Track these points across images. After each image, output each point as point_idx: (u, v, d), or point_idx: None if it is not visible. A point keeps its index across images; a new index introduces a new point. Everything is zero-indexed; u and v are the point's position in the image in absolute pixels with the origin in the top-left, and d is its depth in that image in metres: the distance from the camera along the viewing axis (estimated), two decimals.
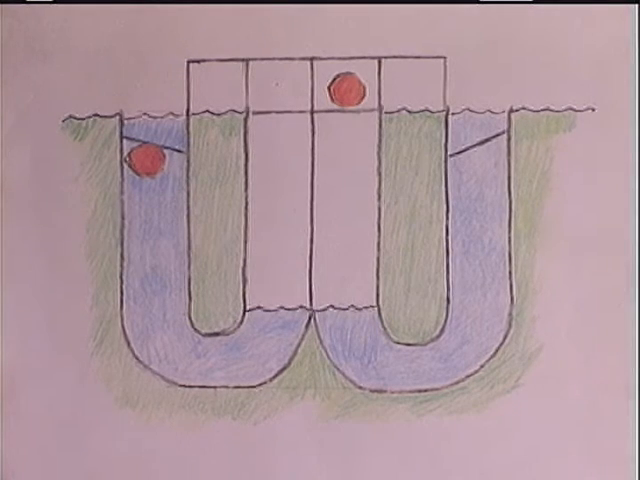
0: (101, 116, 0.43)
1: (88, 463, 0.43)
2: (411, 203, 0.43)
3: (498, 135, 0.43)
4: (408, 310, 0.43)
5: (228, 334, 0.43)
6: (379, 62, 0.43)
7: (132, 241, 0.43)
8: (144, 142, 0.43)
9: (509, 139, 0.43)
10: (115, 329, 0.43)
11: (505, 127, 0.43)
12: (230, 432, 0.43)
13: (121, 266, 0.43)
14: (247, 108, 0.43)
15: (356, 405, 0.43)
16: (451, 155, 0.43)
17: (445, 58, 0.43)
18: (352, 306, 0.43)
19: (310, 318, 0.43)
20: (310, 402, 0.43)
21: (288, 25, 0.43)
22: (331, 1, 0.43)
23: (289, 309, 0.43)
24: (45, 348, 0.43)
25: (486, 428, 0.42)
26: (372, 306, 0.43)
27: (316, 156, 0.43)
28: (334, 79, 0.43)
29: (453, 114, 0.43)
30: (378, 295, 0.43)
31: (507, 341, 0.43)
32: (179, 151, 0.43)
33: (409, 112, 0.43)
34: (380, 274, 0.43)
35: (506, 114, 0.43)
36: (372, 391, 0.43)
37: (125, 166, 0.43)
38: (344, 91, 0.43)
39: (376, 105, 0.43)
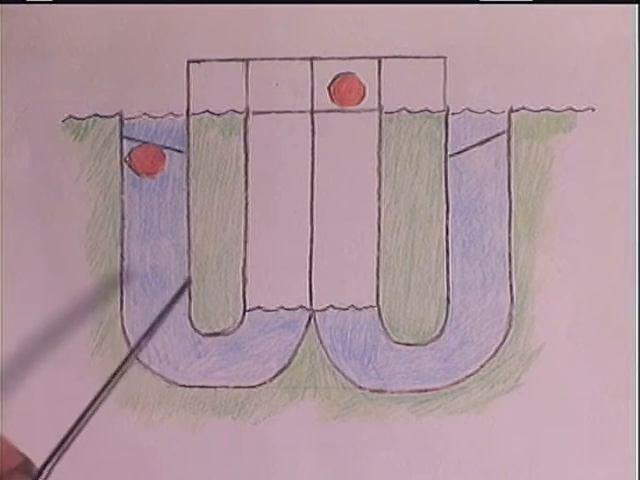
0: (101, 116, 0.43)
1: (88, 463, 0.43)
2: (411, 203, 0.43)
3: (498, 135, 0.43)
4: (408, 310, 0.43)
5: (228, 334, 0.43)
6: (379, 62, 0.43)
7: (132, 241, 0.43)
8: (144, 142, 0.43)
9: (509, 139, 0.43)
10: (115, 329, 0.43)
11: (505, 127, 0.43)
12: (230, 432, 0.43)
13: (121, 266, 0.43)
14: (247, 108, 0.43)
15: (356, 405, 0.43)
16: (451, 155, 0.43)
17: (445, 58, 0.43)
18: (352, 306, 0.43)
19: (310, 318, 0.43)
20: (310, 402, 0.43)
21: (288, 25, 0.43)
22: (331, 1, 0.43)
23: (289, 309, 0.43)
24: (45, 348, 0.43)
25: (486, 428, 0.42)
26: (372, 306, 0.43)
27: (316, 156, 0.43)
28: (334, 79, 0.43)
29: (453, 114, 0.43)
30: (378, 295, 0.43)
31: (507, 341, 0.43)
32: (179, 151, 0.43)
33: (409, 112, 0.43)
34: (380, 274, 0.43)
35: (506, 114, 0.43)
36: (372, 391, 0.43)
37: (125, 166, 0.43)
38: (344, 91, 0.43)
39: (376, 105, 0.43)
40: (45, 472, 0.37)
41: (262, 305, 0.43)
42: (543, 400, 0.42)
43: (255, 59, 0.43)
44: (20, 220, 0.43)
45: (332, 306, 0.43)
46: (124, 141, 0.43)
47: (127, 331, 0.43)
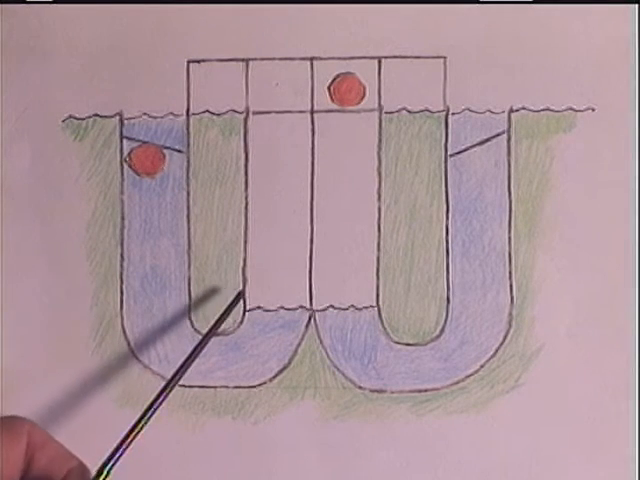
0: (101, 116, 0.43)
1: (88, 463, 0.43)
2: (411, 203, 0.43)
3: (498, 135, 0.43)
4: (408, 310, 0.43)
5: (228, 334, 0.43)
6: (379, 62, 0.43)
7: (132, 241, 0.43)
8: (144, 142, 0.43)
9: (509, 139, 0.43)
10: (115, 329, 0.43)
11: (505, 127, 0.43)
12: (230, 432, 0.43)
13: (121, 266, 0.43)
14: (247, 108, 0.43)
15: (356, 405, 0.43)
16: (451, 155, 0.43)
17: (445, 58, 0.43)
18: (352, 306, 0.43)
19: (310, 318, 0.43)
20: (310, 402, 0.43)
21: (288, 25, 0.43)
22: (331, 1, 0.43)
23: (289, 309, 0.43)
24: (45, 348, 0.43)
25: (486, 428, 0.42)
26: (372, 306, 0.43)
27: (316, 156, 0.43)
28: (334, 79, 0.43)
29: (453, 114, 0.43)
30: (378, 295, 0.43)
31: (507, 341, 0.43)
32: (179, 151, 0.43)
33: (409, 112, 0.43)
34: (380, 274, 0.43)
35: (506, 114, 0.43)
36: (372, 391, 0.43)
37: (125, 166, 0.43)
38: (344, 91, 0.43)
39: (376, 105, 0.43)
40: (104, 474, 0.37)
41: (262, 305, 0.43)
42: (543, 400, 0.42)
43: (255, 59, 0.43)
44: (20, 220, 0.43)
45: (332, 306, 0.43)
46: (124, 141, 0.43)
47: (127, 331, 0.43)
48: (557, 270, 0.42)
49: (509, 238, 0.43)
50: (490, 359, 0.43)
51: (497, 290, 0.43)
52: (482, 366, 0.43)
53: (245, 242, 0.43)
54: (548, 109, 0.43)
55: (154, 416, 0.42)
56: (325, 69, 0.43)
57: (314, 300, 0.43)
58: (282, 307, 0.43)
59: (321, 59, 0.43)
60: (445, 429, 0.42)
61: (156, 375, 0.43)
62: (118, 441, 0.36)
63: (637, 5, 0.42)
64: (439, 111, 0.43)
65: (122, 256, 0.43)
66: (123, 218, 0.43)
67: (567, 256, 0.42)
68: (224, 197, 0.43)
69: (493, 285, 0.43)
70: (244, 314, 0.43)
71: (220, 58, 0.43)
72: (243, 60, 0.43)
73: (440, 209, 0.43)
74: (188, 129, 0.43)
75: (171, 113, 0.43)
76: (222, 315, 0.41)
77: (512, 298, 0.43)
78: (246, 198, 0.43)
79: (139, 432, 0.37)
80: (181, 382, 0.43)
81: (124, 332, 0.43)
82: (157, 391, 0.37)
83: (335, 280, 0.43)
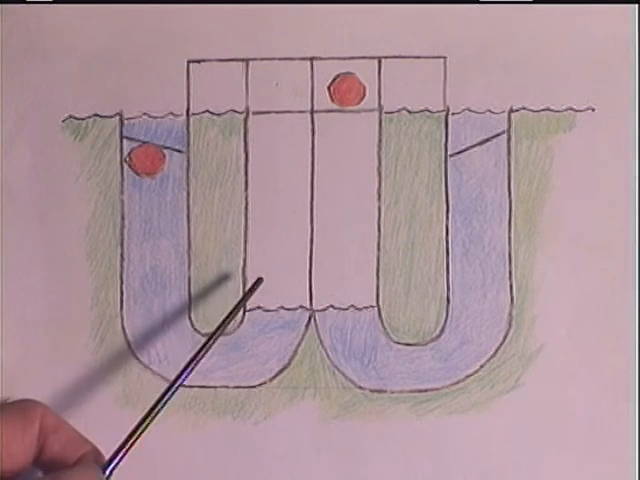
0: (101, 116, 0.43)
1: None
2: (411, 203, 0.43)
3: (498, 135, 0.43)
4: (408, 310, 0.43)
5: (228, 334, 0.43)
6: (379, 62, 0.43)
7: (132, 241, 0.43)
8: (144, 142, 0.43)
9: (509, 139, 0.43)
10: (115, 329, 0.43)
11: (505, 127, 0.43)
12: (230, 432, 0.43)
13: (121, 266, 0.43)
14: (247, 108, 0.43)
15: (356, 405, 0.43)
16: (451, 155, 0.43)
17: (445, 58, 0.43)
18: (352, 306, 0.43)
19: (310, 318, 0.43)
20: (310, 402, 0.43)
21: (288, 25, 0.43)
22: (331, 1, 0.43)
23: (289, 309, 0.43)
24: (45, 348, 0.43)
25: (486, 428, 0.42)
26: (372, 306, 0.43)
27: (316, 156, 0.43)
28: (334, 79, 0.43)
29: (453, 114, 0.43)
30: (378, 295, 0.43)
31: (507, 341, 0.43)
32: (179, 151, 0.43)
33: (409, 112, 0.43)
34: (380, 274, 0.43)
35: (506, 114, 0.43)
36: (372, 391, 0.43)
37: (125, 166, 0.43)
38: (344, 91, 0.43)
39: (376, 105, 0.43)
40: (116, 460, 0.37)
41: (262, 305, 0.43)
42: (543, 400, 0.42)
43: (255, 59, 0.43)
44: (20, 220, 0.43)
45: (332, 306, 0.43)
46: (124, 141, 0.43)
47: (127, 331, 0.43)
48: (557, 270, 0.42)
49: (509, 238, 0.43)
50: (490, 359, 0.43)
51: (497, 290, 0.43)
52: (482, 366, 0.43)
53: (245, 242, 0.43)
54: (548, 109, 0.43)
55: (156, 416, 0.42)
56: (325, 69, 0.43)
57: (314, 300, 0.43)
58: (282, 307, 0.43)
59: (321, 59, 0.43)
60: (445, 429, 0.42)
61: (156, 375, 0.43)
62: (119, 444, 0.36)
63: (637, 5, 0.42)
64: (439, 111, 0.43)
65: (122, 256, 0.43)
66: (123, 218, 0.43)
67: (567, 256, 0.42)
68: (224, 197, 0.43)
69: (493, 285, 0.43)
70: (244, 314, 0.43)
71: (220, 58, 0.43)
72: (243, 60, 0.43)
73: (440, 209, 0.43)
74: (188, 129, 0.43)
75: (171, 113, 0.43)
76: (242, 300, 0.41)
77: (512, 298, 0.43)
78: (246, 198, 0.43)
79: (140, 435, 0.37)
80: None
81: (124, 332, 0.43)
82: (161, 391, 0.37)
83: (335, 280, 0.43)
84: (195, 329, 0.43)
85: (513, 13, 0.43)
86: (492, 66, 0.43)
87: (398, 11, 0.43)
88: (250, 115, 0.43)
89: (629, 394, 0.42)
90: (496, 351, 0.43)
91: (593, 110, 0.43)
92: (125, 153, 0.43)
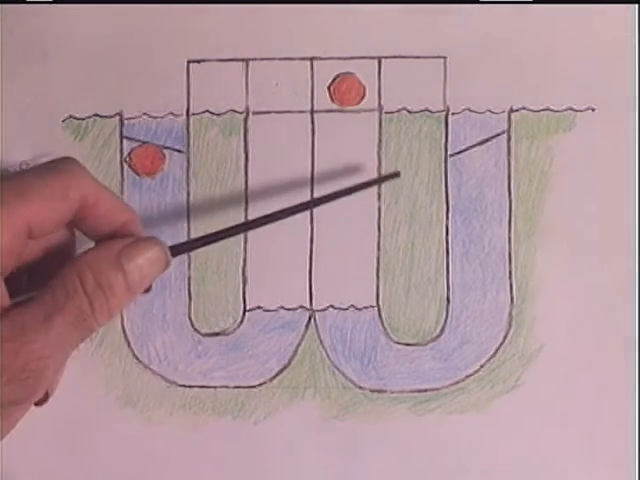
0: (101, 116, 0.43)
1: (88, 463, 0.43)
2: (411, 203, 0.43)
3: (498, 135, 0.43)
4: (408, 310, 0.43)
5: (228, 334, 0.43)
6: (379, 62, 0.43)
7: None
8: (144, 142, 0.43)
9: (509, 139, 0.43)
10: (115, 329, 0.43)
11: (505, 127, 0.43)
12: (230, 432, 0.43)
13: None
14: (247, 108, 0.43)
15: (356, 405, 0.43)
16: (451, 155, 0.43)
17: (445, 58, 0.43)
18: (352, 306, 0.43)
19: (310, 318, 0.43)
20: (310, 402, 0.43)
21: (288, 25, 0.43)
22: (331, 1, 0.43)
23: (289, 309, 0.43)
24: None
25: (486, 428, 0.42)
26: (372, 306, 0.43)
27: (316, 156, 0.43)
28: (334, 79, 0.43)
29: (453, 114, 0.43)
30: (378, 295, 0.43)
31: (507, 341, 0.43)
32: (179, 151, 0.43)
33: (409, 112, 0.43)
34: (380, 274, 0.43)
35: (506, 114, 0.43)
36: (372, 391, 0.43)
37: (125, 166, 0.43)
38: (344, 91, 0.43)
39: (376, 105, 0.43)
40: (185, 247, 0.38)
41: (262, 305, 0.43)
42: (543, 400, 0.42)
43: (255, 59, 0.43)
44: None
45: (332, 306, 0.43)
46: (124, 141, 0.43)
47: (127, 331, 0.43)
48: (557, 270, 0.42)
49: (509, 238, 0.43)
50: (490, 359, 0.43)
51: (497, 290, 0.43)
52: (482, 366, 0.43)
53: (245, 242, 0.43)
54: (548, 109, 0.43)
55: (155, 415, 0.42)
56: (325, 69, 0.43)
57: (314, 300, 0.43)
58: (282, 307, 0.43)
59: (321, 59, 0.43)
60: (445, 429, 0.42)
61: (156, 375, 0.43)
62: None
63: (637, 5, 0.43)
64: (439, 111, 0.43)
65: None
66: None
67: (567, 256, 0.42)
68: (224, 197, 0.43)
69: (493, 285, 0.43)
70: (244, 314, 0.43)
71: (220, 58, 0.43)
72: (243, 60, 0.43)
73: (440, 209, 0.43)
74: (188, 129, 0.43)
75: (171, 113, 0.43)
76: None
77: (512, 298, 0.43)
78: (246, 198, 0.43)
79: (215, 239, 0.38)
80: (181, 382, 0.43)
81: (124, 332, 0.43)
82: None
83: (335, 280, 0.43)
84: (195, 329, 0.43)
85: (513, 13, 0.43)
86: (492, 66, 0.43)
87: (398, 11, 0.43)
88: (250, 115, 0.43)
89: (629, 394, 0.42)
90: (496, 351, 0.43)
91: (593, 110, 0.43)
92: (125, 153, 0.43)
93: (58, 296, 0.34)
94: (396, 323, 0.43)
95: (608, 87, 0.42)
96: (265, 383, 0.43)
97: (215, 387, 0.43)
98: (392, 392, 0.43)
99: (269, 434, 0.43)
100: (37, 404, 0.36)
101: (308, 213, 0.43)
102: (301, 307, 0.43)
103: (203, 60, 0.43)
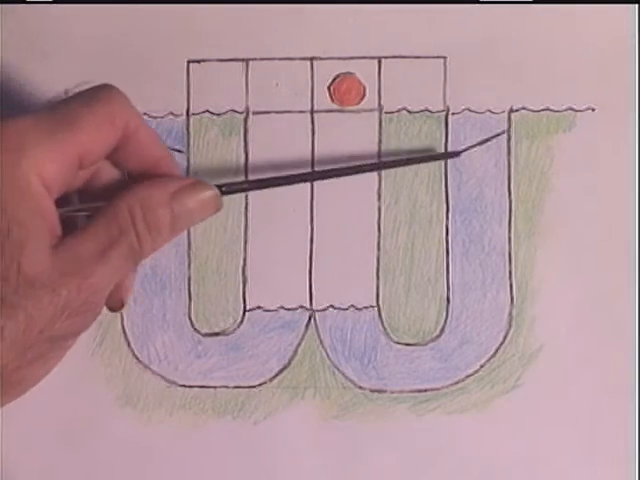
0: None
1: (88, 463, 0.43)
2: (411, 203, 0.43)
3: (498, 135, 0.43)
4: (408, 310, 0.43)
5: (228, 334, 0.43)
6: (379, 62, 0.43)
7: None
8: None
9: (509, 139, 0.43)
10: (115, 329, 0.43)
11: (505, 127, 0.43)
12: (230, 432, 0.43)
13: None
14: (247, 108, 0.43)
15: (356, 405, 0.43)
16: None
17: (445, 58, 0.43)
18: (352, 306, 0.43)
19: (310, 318, 0.43)
20: (310, 402, 0.43)
21: (288, 25, 0.43)
22: (331, 1, 0.43)
23: (289, 309, 0.43)
24: None
25: (486, 428, 0.42)
26: (372, 306, 0.43)
27: (316, 156, 0.43)
28: (334, 79, 0.43)
29: (453, 114, 0.43)
30: (378, 295, 0.43)
31: (507, 341, 0.43)
32: (179, 151, 0.43)
33: (409, 112, 0.43)
34: (380, 274, 0.43)
35: (506, 114, 0.43)
36: (372, 391, 0.43)
37: None
38: (344, 91, 0.43)
39: (376, 105, 0.43)
40: (235, 187, 0.39)
41: (262, 305, 0.43)
42: (543, 400, 0.42)
43: (255, 59, 0.43)
44: None
45: (332, 306, 0.43)
46: None
47: (127, 331, 0.43)
48: (557, 270, 0.42)
49: (509, 238, 0.43)
50: (490, 359, 0.43)
51: (497, 290, 0.43)
52: (482, 366, 0.43)
53: (245, 242, 0.43)
54: (548, 109, 0.43)
55: (155, 415, 0.42)
56: (325, 69, 0.43)
57: (314, 300, 0.43)
58: (282, 307, 0.43)
59: (321, 59, 0.43)
60: (445, 429, 0.42)
61: (156, 375, 0.43)
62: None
63: (637, 5, 0.43)
64: (439, 111, 0.43)
65: None
66: None
67: (567, 256, 0.42)
68: (224, 197, 0.43)
69: (493, 285, 0.43)
70: (244, 314, 0.43)
71: (220, 58, 0.43)
72: (243, 60, 0.43)
73: (440, 209, 0.43)
74: (188, 129, 0.43)
75: (171, 113, 0.43)
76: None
77: (512, 298, 0.43)
78: (246, 198, 0.43)
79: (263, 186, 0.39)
80: (181, 382, 0.43)
81: (124, 332, 0.43)
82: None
83: (335, 280, 0.43)
84: (195, 329, 0.43)
85: (513, 13, 0.43)
86: (492, 66, 0.43)
87: (398, 11, 0.43)
88: (250, 115, 0.43)
89: (629, 394, 0.42)
90: (496, 351, 0.43)
91: (593, 110, 0.43)
92: None
93: (111, 231, 0.34)
94: (396, 323, 0.43)
95: (608, 87, 0.42)
96: (265, 383, 0.43)
97: (215, 387, 0.43)
98: (392, 392, 0.43)
99: (269, 434, 0.43)
100: (114, 310, 0.39)
101: (308, 213, 0.43)
102: (301, 307, 0.43)
103: (203, 60, 0.43)
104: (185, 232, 0.43)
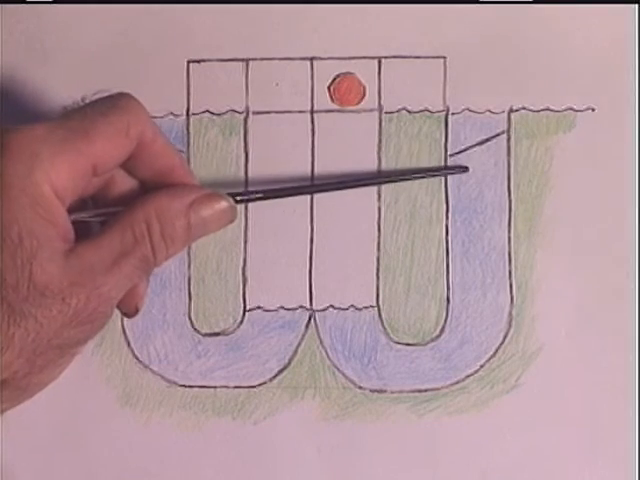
0: None
1: (88, 463, 0.43)
2: (411, 203, 0.43)
3: (498, 135, 0.43)
4: (408, 310, 0.43)
5: (228, 334, 0.43)
6: (379, 62, 0.43)
7: None
8: None
9: (509, 139, 0.43)
10: (115, 329, 0.43)
11: (505, 127, 0.43)
12: (230, 432, 0.43)
13: None
14: (247, 108, 0.43)
15: (356, 405, 0.43)
16: (451, 155, 0.43)
17: (445, 58, 0.43)
18: (352, 306, 0.43)
19: (310, 318, 0.43)
20: (310, 402, 0.43)
21: (288, 25, 0.43)
22: (331, 1, 0.43)
23: (289, 309, 0.43)
24: None
25: (486, 428, 0.42)
26: (372, 306, 0.43)
27: (316, 156, 0.43)
28: (334, 79, 0.43)
29: (453, 114, 0.43)
30: (378, 295, 0.43)
31: (507, 341, 0.43)
32: (179, 151, 0.43)
33: (409, 112, 0.43)
34: (380, 274, 0.43)
35: (506, 114, 0.43)
36: (372, 391, 0.43)
37: None
38: (344, 91, 0.43)
39: (376, 105, 0.43)
40: (248, 197, 0.40)
41: (262, 305, 0.43)
42: (543, 400, 0.42)
43: (255, 59, 0.43)
44: None
45: (332, 306, 0.43)
46: None
47: (127, 331, 0.43)
48: (557, 270, 0.42)
49: (509, 238, 0.43)
50: (490, 359, 0.43)
51: (497, 290, 0.43)
52: (482, 366, 0.43)
53: (245, 242, 0.43)
54: (548, 109, 0.43)
55: (155, 415, 0.42)
56: (325, 69, 0.43)
57: (314, 300, 0.43)
58: (282, 307, 0.43)
59: (321, 59, 0.43)
60: (445, 429, 0.42)
61: (156, 375, 0.43)
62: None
63: (637, 5, 0.43)
64: (439, 111, 0.43)
65: None
66: None
67: (567, 256, 0.42)
68: None
69: (493, 285, 0.43)
70: (244, 314, 0.43)
71: (220, 58, 0.43)
72: (243, 60, 0.43)
73: (440, 209, 0.43)
74: (188, 129, 0.43)
75: (171, 113, 0.43)
76: None
77: (512, 298, 0.43)
78: None
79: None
80: (181, 382, 0.43)
81: (124, 332, 0.43)
82: None
83: (335, 280, 0.43)
84: (195, 329, 0.43)
85: (513, 13, 0.43)
86: (492, 66, 0.43)
87: (398, 11, 0.43)
88: (250, 115, 0.43)
89: (629, 394, 0.42)
90: (496, 351, 0.43)
91: (593, 110, 0.43)
92: None
93: (126, 241, 0.34)
94: (396, 323, 0.43)
95: (608, 87, 0.42)
96: (265, 383, 0.43)
97: (215, 387, 0.43)
98: (392, 392, 0.43)
99: (269, 434, 0.43)
100: (129, 316, 0.40)
101: (308, 213, 0.43)
102: (301, 307, 0.43)
103: (203, 60, 0.43)
104: None
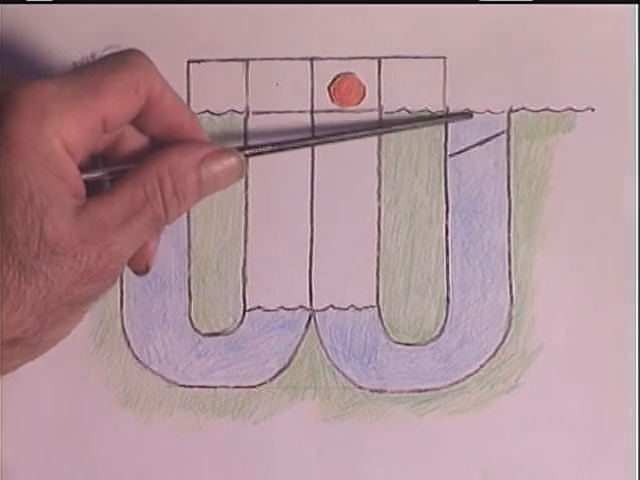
0: None
1: (88, 463, 0.43)
2: (411, 203, 0.43)
3: (498, 135, 0.43)
4: (408, 310, 0.43)
5: (228, 334, 0.43)
6: (379, 62, 0.43)
7: None
8: None
9: (509, 139, 0.43)
10: (115, 329, 0.43)
11: (505, 127, 0.43)
12: (230, 432, 0.43)
13: None
14: (247, 108, 0.43)
15: (356, 405, 0.43)
16: (451, 155, 0.43)
17: (445, 58, 0.43)
18: (352, 306, 0.43)
19: (310, 318, 0.43)
20: (310, 402, 0.43)
21: (288, 25, 0.43)
22: (331, 1, 0.43)
23: (289, 309, 0.43)
24: None
25: (486, 428, 0.42)
26: (372, 306, 0.43)
27: (316, 156, 0.43)
28: (334, 79, 0.43)
29: None
30: (378, 295, 0.43)
31: (507, 341, 0.43)
32: None
33: (409, 112, 0.43)
34: (380, 274, 0.43)
35: (506, 114, 0.43)
36: (372, 391, 0.43)
37: None
38: (344, 91, 0.43)
39: (376, 105, 0.43)
40: (258, 150, 0.39)
41: (262, 305, 0.43)
42: (543, 400, 0.42)
43: (255, 59, 0.43)
44: None
45: (332, 306, 0.43)
46: None
47: (127, 331, 0.43)
48: (557, 270, 0.43)
49: (509, 238, 0.43)
50: (490, 359, 0.43)
51: (497, 290, 0.43)
52: (482, 366, 0.43)
53: (245, 242, 0.43)
54: (548, 109, 0.43)
55: (155, 415, 0.43)
56: (325, 69, 0.43)
57: (314, 300, 0.43)
58: (282, 307, 0.43)
59: (321, 59, 0.43)
60: (445, 429, 0.42)
61: (156, 375, 0.43)
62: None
63: (637, 5, 0.43)
64: (439, 111, 0.43)
65: None
66: None
67: (567, 256, 0.42)
68: (224, 197, 0.43)
69: (493, 285, 0.43)
70: (244, 314, 0.43)
71: (220, 58, 0.43)
72: (243, 60, 0.43)
73: (440, 209, 0.43)
74: None
75: None
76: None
77: (512, 298, 0.43)
78: (246, 198, 0.43)
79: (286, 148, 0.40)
80: (181, 382, 0.43)
81: (124, 332, 0.43)
82: None
83: (335, 280, 0.43)
84: (195, 329, 0.43)
85: (513, 13, 0.43)
86: (492, 66, 0.43)
87: (398, 11, 0.43)
88: (250, 115, 0.43)
89: (629, 394, 0.42)
90: (496, 351, 0.43)
91: (593, 110, 0.43)
92: None
93: (137, 198, 0.34)
94: (396, 323, 0.43)
95: (608, 87, 0.42)
96: (265, 383, 0.43)
97: (215, 387, 0.43)
98: (392, 392, 0.43)
99: (269, 434, 0.43)
100: (140, 274, 0.40)
101: (308, 213, 0.43)
102: (301, 307, 0.43)
103: (203, 60, 0.43)
104: (185, 232, 0.43)
